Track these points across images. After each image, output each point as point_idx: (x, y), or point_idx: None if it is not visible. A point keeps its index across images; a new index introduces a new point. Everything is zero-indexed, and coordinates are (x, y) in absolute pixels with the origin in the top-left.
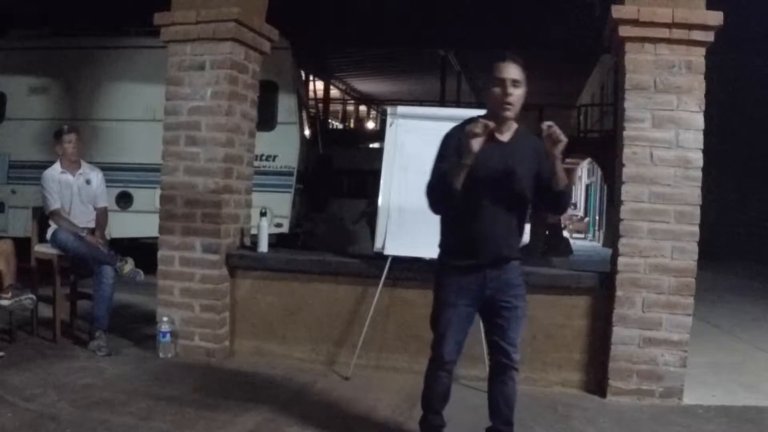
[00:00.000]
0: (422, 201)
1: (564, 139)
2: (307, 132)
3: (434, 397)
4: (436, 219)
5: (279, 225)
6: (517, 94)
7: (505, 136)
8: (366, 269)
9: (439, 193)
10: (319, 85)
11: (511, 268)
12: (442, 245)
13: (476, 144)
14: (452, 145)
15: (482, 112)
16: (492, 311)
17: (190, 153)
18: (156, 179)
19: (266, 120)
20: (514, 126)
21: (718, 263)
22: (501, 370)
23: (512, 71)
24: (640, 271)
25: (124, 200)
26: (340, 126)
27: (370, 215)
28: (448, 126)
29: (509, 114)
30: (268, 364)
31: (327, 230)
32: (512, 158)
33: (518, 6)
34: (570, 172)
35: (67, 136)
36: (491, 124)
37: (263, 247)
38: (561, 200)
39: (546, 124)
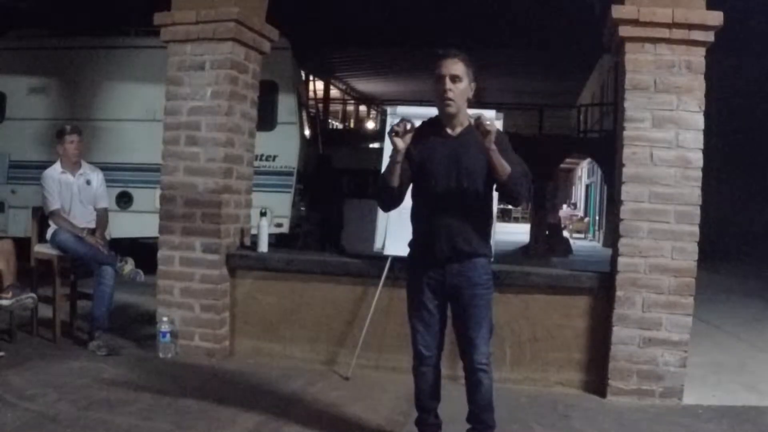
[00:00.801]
0: None
1: (492, 129)
2: (307, 132)
3: (423, 394)
4: None
5: (279, 225)
6: (457, 90)
7: (455, 131)
8: (366, 269)
9: (380, 192)
10: (319, 85)
11: (474, 265)
12: (410, 241)
13: (399, 142)
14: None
15: (487, 112)
16: (454, 307)
17: (190, 153)
18: (156, 179)
19: (266, 120)
20: (466, 121)
21: (718, 263)
22: (468, 370)
23: (452, 67)
24: (640, 271)
25: (124, 200)
26: (340, 126)
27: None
28: None
29: (451, 109)
30: (268, 364)
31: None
32: (460, 152)
33: (518, 6)
34: (568, 172)
35: (70, 137)
36: (412, 123)
37: (263, 247)
38: (510, 191)
39: (473, 115)
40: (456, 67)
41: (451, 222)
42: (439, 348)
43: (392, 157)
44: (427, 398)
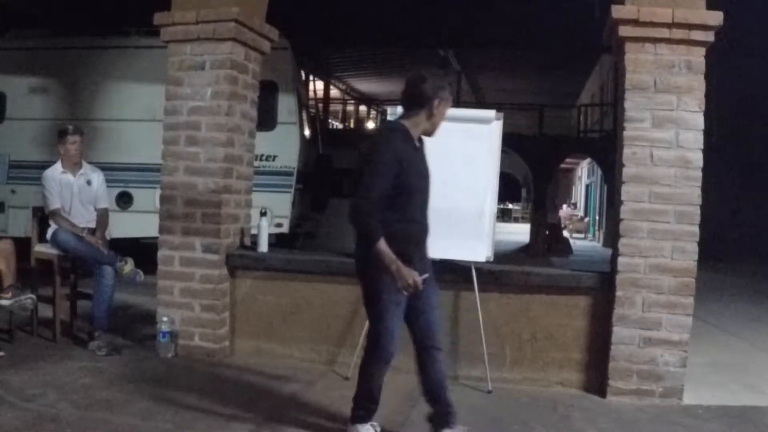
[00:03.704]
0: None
1: None
2: (307, 132)
3: (378, 390)
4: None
5: (279, 225)
6: None
7: (418, 143)
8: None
9: (363, 231)
10: (319, 85)
11: (426, 250)
12: (393, 243)
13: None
14: (392, 151)
15: (487, 112)
16: (419, 299)
17: (190, 153)
18: (156, 179)
19: (266, 120)
20: None
21: (718, 263)
22: (428, 353)
23: None
24: (640, 271)
25: (124, 200)
26: (340, 126)
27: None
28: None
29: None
30: (268, 364)
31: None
32: (425, 162)
33: (518, 6)
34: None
35: (72, 137)
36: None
37: (263, 247)
38: None
39: None
40: None
41: (426, 224)
42: None
43: (397, 266)
44: (379, 392)
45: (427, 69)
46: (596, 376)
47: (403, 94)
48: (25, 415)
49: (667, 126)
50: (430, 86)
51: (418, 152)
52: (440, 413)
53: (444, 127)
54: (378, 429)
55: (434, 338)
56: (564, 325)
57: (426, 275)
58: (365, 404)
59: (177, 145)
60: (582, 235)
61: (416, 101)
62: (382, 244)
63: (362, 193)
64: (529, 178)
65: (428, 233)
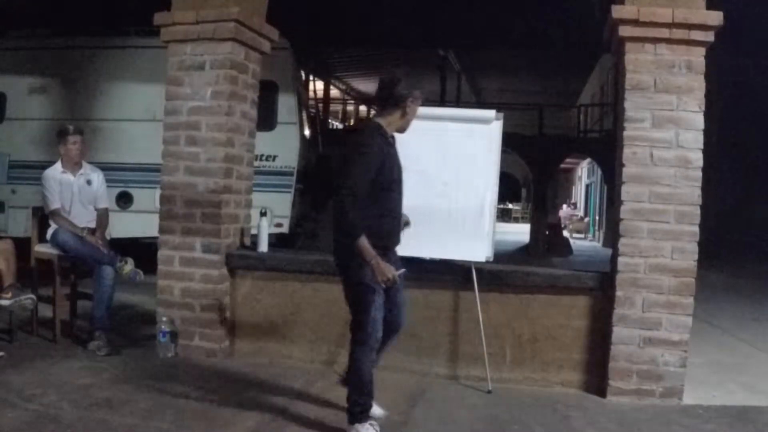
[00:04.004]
0: (422, 201)
1: None
2: (307, 132)
3: (372, 382)
4: (436, 219)
5: (279, 225)
6: None
7: (391, 139)
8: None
9: (347, 227)
10: (319, 85)
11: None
12: (372, 235)
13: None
14: (375, 147)
15: (487, 112)
16: (391, 288)
17: (190, 153)
18: (156, 179)
19: (266, 120)
20: None
21: (718, 263)
22: (391, 336)
23: None
24: (640, 271)
25: (124, 200)
26: (340, 126)
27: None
28: (448, 126)
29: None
30: (268, 364)
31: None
32: (398, 158)
33: (518, 6)
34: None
35: (72, 137)
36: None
37: (263, 247)
38: None
39: None
40: None
41: (401, 216)
42: None
43: (376, 261)
44: (372, 381)
45: (398, 71)
46: (596, 376)
47: (378, 95)
48: (25, 415)
49: (667, 126)
50: (404, 87)
51: (393, 148)
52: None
53: (444, 127)
54: (377, 429)
55: (398, 330)
56: (564, 325)
57: (402, 270)
58: (362, 400)
59: (177, 145)
60: (582, 235)
61: (390, 101)
62: (364, 240)
63: (347, 190)
64: (529, 178)
65: (401, 226)
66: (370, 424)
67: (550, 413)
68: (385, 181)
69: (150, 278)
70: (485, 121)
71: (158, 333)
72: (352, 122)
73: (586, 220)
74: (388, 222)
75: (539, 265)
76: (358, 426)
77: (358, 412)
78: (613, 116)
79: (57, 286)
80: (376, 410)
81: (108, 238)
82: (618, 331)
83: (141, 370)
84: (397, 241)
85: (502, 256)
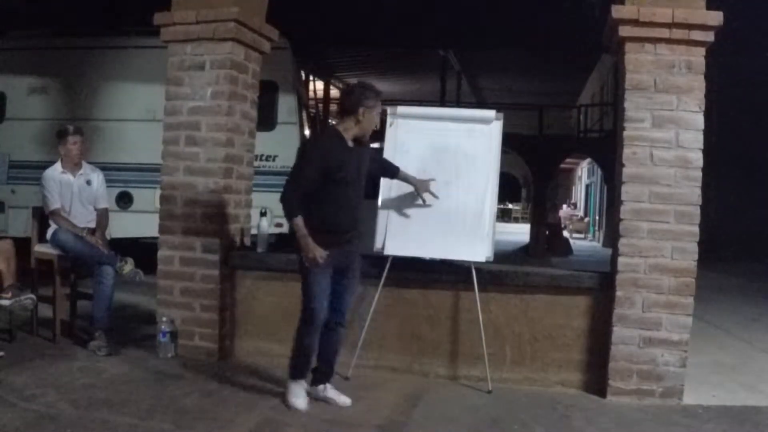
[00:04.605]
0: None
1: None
2: (307, 132)
3: (311, 352)
4: (436, 219)
5: (279, 225)
6: None
7: (351, 144)
8: (366, 269)
9: (286, 209)
10: (319, 85)
11: (357, 244)
12: (315, 224)
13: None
14: (319, 149)
15: (489, 112)
16: (340, 278)
17: (190, 153)
18: (156, 179)
19: (266, 120)
20: None
21: (718, 263)
22: (333, 328)
23: None
24: (640, 271)
25: (124, 200)
26: None
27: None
28: (448, 126)
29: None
30: (268, 364)
31: None
32: (360, 159)
33: (518, 6)
34: (568, 172)
35: (72, 138)
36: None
37: (263, 247)
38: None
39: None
40: None
41: (356, 212)
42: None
43: (306, 241)
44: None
45: (363, 83)
46: (596, 376)
47: (338, 104)
48: (25, 415)
49: (667, 126)
50: (356, 97)
51: (353, 151)
52: (323, 371)
53: (444, 127)
54: (307, 387)
55: (342, 317)
56: (564, 326)
57: (326, 254)
58: (298, 363)
59: (177, 145)
60: (582, 235)
61: (345, 109)
62: (299, 221)
63: (290, 180)
64: (529, 178)
65: (358, 223)
66: (300, 383)
67: (550, 413)
68: (337, 177)
69: (150, 278)
70: (485, 121)
71: (158, 333)
72: None
73: (586, 220)
74: (339, 213)
75: (539, 265)
76: (290, 382)
77: (295, 371)
78: (613, 116)
79: (57, 286)
80: (342, 398)
81: (108, 238)
82: (618, 331)
83: (141, 370)
84: (349, 232)
85: (502, 256)
